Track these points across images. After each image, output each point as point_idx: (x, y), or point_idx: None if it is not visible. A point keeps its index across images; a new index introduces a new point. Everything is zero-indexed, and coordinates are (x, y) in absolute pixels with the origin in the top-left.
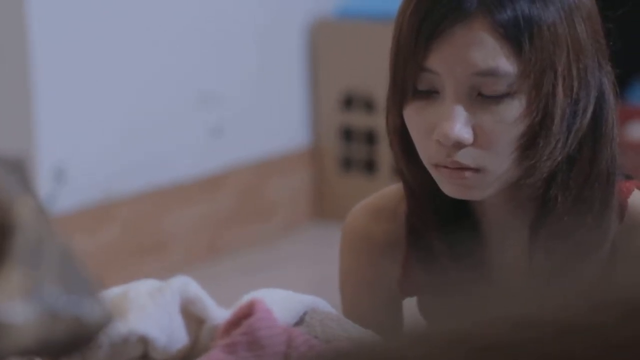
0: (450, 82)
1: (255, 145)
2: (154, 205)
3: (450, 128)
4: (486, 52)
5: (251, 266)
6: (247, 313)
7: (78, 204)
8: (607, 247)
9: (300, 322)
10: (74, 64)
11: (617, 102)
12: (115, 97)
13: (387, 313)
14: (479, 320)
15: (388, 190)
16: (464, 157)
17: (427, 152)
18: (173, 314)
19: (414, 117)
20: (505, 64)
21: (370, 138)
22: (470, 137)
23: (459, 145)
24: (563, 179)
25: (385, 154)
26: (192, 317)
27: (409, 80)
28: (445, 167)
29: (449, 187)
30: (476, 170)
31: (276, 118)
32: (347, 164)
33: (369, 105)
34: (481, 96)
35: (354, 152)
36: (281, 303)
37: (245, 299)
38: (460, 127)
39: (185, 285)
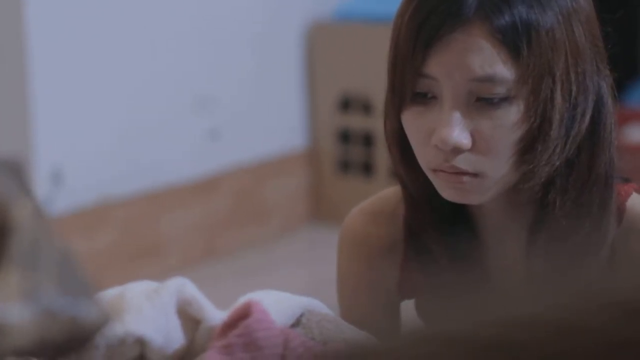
0: (448, 87)
1: (253, 148)
2: (151, 207)
3: (448, 133)
4: (484, 58)
5: (248, 268)
6: (243, 314)
7: (75, 207)
8: (605, 250)
9: (296, 323)
10: (71, 67)
11: (615, 106)
12: (112, 100)
13: (385, 315)
14: (479, 320)
15: (386, 193)
16: (462, 162)
17: (425, 157)
18: (169, 315)
19: (412, 122)
20: (503, 69)
21: (367, 140)
22: (468, 142)
23: (457, 150)
24: (561, 183)
25: (382, 156)
26: (189, 318)
27: (407, 86)
28: (444, 171)
29: (447, 191)
30: (474, 175)
31: (274, 120)
32: (345, 166)
33: (366, 108)
34: (479, 101)
35: (351, 154)
36: (278, 305)
37: (242, 300)
38: (458, 132)
39: (182, 286)
